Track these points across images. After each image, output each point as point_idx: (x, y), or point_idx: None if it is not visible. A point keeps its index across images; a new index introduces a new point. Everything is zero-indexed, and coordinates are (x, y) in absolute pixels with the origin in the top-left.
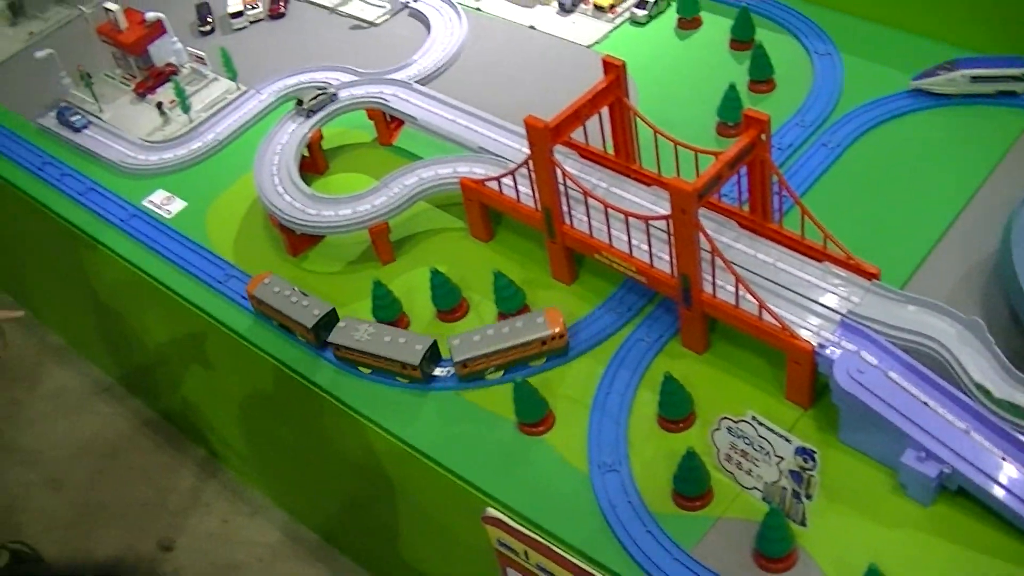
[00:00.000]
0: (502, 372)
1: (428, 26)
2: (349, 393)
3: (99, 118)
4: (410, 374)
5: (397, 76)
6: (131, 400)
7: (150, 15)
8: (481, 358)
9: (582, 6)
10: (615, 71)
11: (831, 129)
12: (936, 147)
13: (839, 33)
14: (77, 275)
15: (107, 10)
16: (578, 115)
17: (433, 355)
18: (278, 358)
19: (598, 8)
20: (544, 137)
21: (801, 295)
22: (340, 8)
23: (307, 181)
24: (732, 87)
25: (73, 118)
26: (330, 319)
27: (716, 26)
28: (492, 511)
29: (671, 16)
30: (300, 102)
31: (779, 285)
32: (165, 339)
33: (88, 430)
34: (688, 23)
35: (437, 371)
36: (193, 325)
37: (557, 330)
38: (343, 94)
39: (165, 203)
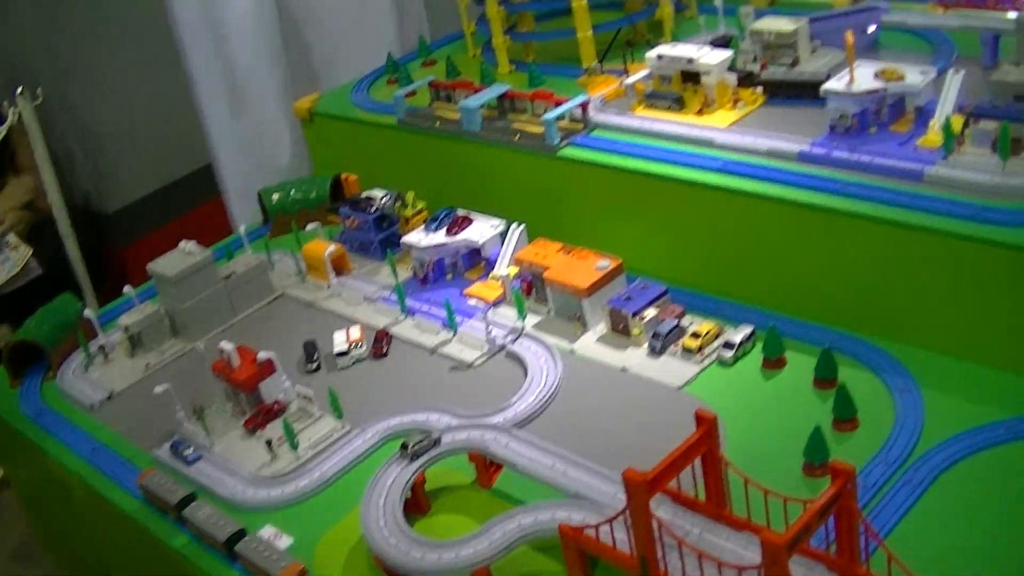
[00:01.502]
0: None
1: (525, 368)
2: None
3: (210, 451)
4: None
5: (496, 419)
6: None
7: (261, 354)
8: (247, 560)
9: (671, 348)
10: (707, 424)
11: (915, 466)
12: (1021, 482)
13: (920, 368)
14: None
15: (221, 349)
16: (673, 467)
17: None
18: None
19: (687, 350)
20: (641, 490)
21: None
22: (440, 349)
23: (410, 521)
24: (817, 429)
25: (186, 452)
26: None
27: (800, 365)
28: None
29: (757, 356)
30: (405, 446)
31: None
32: None
33: None
34: (773, 363)
35: None
36: None
37: None
38: (446, 438)
39: (273, 538)
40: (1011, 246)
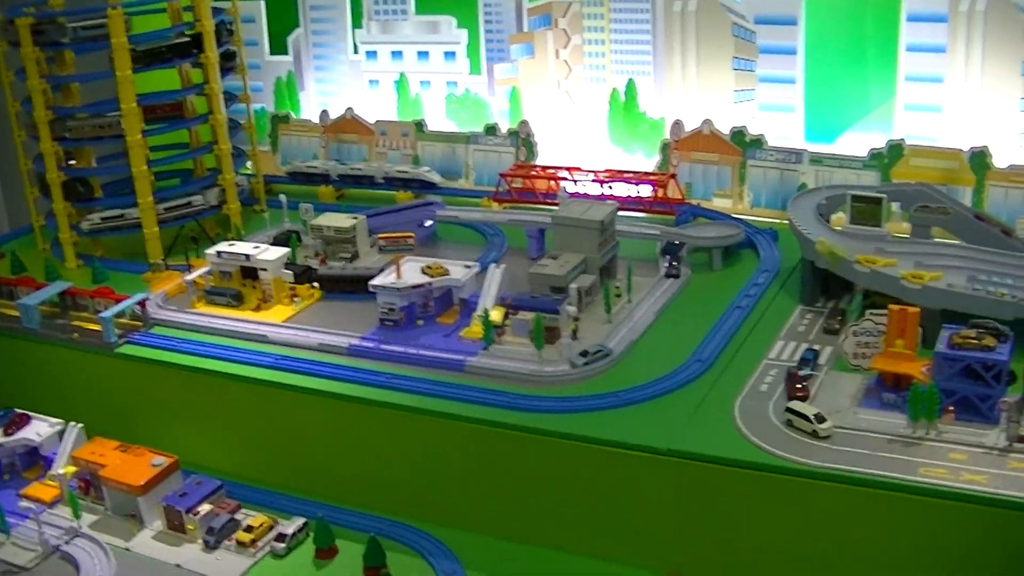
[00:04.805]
0: None
1: (77, 567)
2: None
3: None
4: None
5: None
6: None
7: None
8: None
9: (226, 542)
10: None
11: None
12: None
13: (464, 550)
14: None
15: None
16: None
17: None
18: None
19: (240, 544)
20: None
21: None
22: None
23: None
24: None
25: None
26: None
27: (352, 553)
28: None
29: (309, 547)
30: None
31: None
32: None
33: None
34: (325, 553)
35: None
36: None
37: None
38: None
39: None
40: (542, 432)
